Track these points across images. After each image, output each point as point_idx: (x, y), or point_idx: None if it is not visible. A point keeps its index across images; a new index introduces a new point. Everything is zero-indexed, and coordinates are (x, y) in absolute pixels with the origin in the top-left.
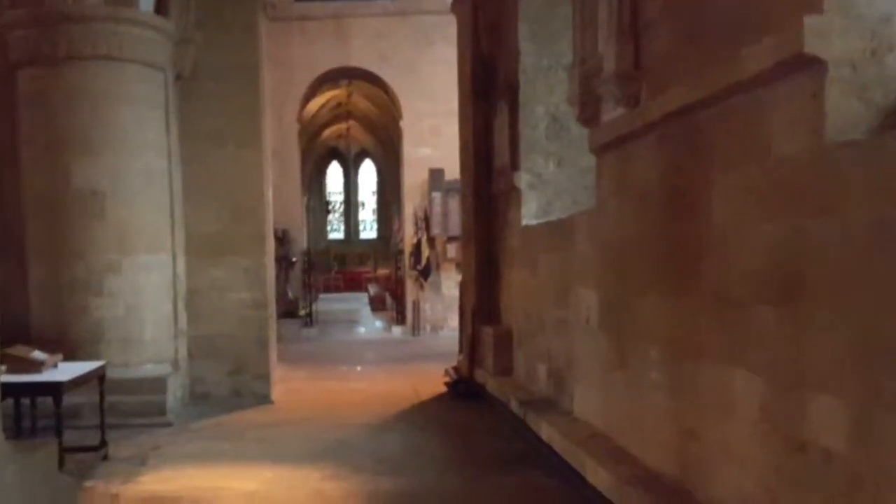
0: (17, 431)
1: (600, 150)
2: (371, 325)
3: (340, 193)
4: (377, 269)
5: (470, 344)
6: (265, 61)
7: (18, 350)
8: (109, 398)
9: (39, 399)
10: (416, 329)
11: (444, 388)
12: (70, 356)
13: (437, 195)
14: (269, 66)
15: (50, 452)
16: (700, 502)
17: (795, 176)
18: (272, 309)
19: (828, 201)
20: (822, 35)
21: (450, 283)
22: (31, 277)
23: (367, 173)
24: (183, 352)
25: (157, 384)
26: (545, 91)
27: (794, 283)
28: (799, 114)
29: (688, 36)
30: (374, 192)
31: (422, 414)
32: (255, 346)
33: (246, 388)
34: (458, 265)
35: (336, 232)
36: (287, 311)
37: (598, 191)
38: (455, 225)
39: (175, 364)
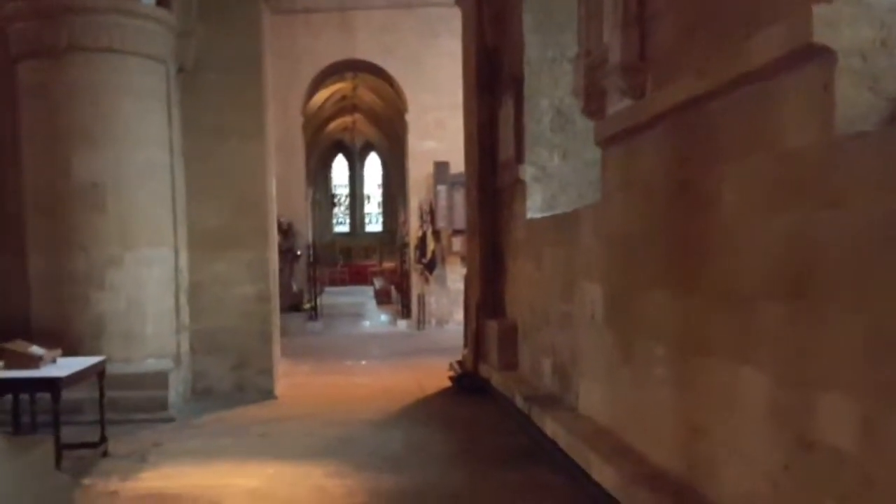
0: (16, 427)
1: (605, 142)
2: (376, 319)
3: (346, 186)
4: (382, 263)
5: (474, 338)
6: (268, 54)
7: (16, 345)
8: (111, 393)
9: (39, 394)
10: (421, 323)
11: (448, 383)
12: (71, 351)
13: (442, 188)
14: (272, 59)
15: (46, 450)
16: (707, 501)
17: (805, 168)
18: (275, 303)
19: (838, 194)
20: (832, 24)
21: (455, 277)
22: (31, 271)
23: (373, 166)
24: (185, 346)
25: (159, 379)
26: (550, 83)
27: (802, 277)
28: (808, 105)
29: (694, 26)
30: (379, 186)
31: (426, 409)
32: (258, 340)
33: (249, 383)
34: (463, 258)
35: (341, 225)
36: (292, 304)
37: (603, 184)
38: (460, 218)
39: (177, 359)
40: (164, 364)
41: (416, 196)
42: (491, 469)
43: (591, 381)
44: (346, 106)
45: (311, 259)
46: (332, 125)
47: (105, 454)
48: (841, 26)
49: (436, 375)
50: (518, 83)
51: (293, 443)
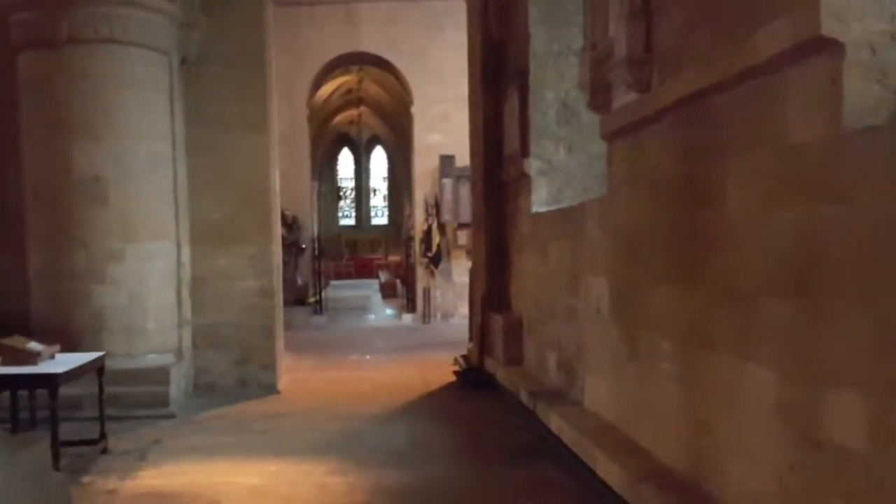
0: (15, 424)
1: (611, 136)
2: (381, 313)
3: (351, 179)
4: (388, 256)
5: (479, 332)
6: (272, 46)
7: (14, 341)
8: (112, 389)
9: (38, 390)
10: (426, 317)
11: (453, 377)
12: (72, 346)
13: (447, 181)
14: (277, 52)
15: (41, 448)
16: (713, 500)
17: (812, 163)
18: (279, 297)
19: (846, 189)
20: (840, 17)
21: (460, 271)
22: (31, 266)
23: (379, 159)
24: (187, 341)
25: (160, 375)
26: (555, 76)
27: (808, 273)
28: (816, 99)
29: (700, 18)
30: (385, 179)
31: (430, 404)
32: (261, 335)
33: (252, 379)
34: (468, 252)
35: (347, 218)
36: (296, 298)
37: (609, 178)
38: (466, 212)
39: (179, 354)
40: (166, 359)
41: (422, 189)
42: (495, 465)
43: (597, 376)
44: (351, 99)
45: (316, 252)
46: (338, 118)
47: (105, 451)
48: (850, 19)
49: (440, 370)
50: (523, 76)
51: (295, 439)
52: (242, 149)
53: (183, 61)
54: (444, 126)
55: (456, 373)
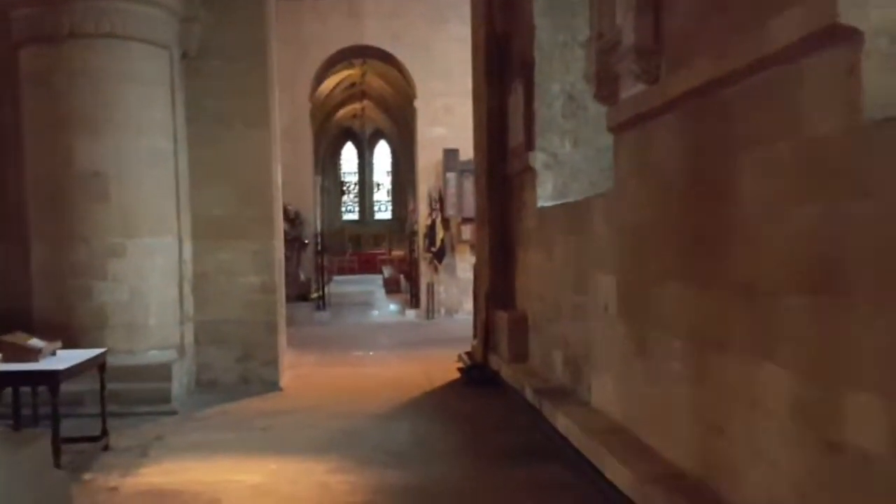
0: (17, 421)
1: (618, 128)
2: (385, 308)
3: (355, 174)
4: (392, 251)
5: (484, 329)
6: (274, 40)
7: (15, 337)
8: (113, 386)
9: (41, 387)
10: (430, 312)
11: (457, 374)
12: (73, 342)
13: (451, 176)
14: (279, 45)
15: (42, 446)
16: None
17: (830, 156)
18: (281, 293)
19: (866, 183)
20: (858, 4)
21: (465, 266)
22: (33, 262)
23: (382, 154)
24: (189, 338)
25: (162, 371)
26: (561, 68)
27: (828, 270)
28: (833, 89)
29: (711, 6)
30: (388, 173)
31: (433, 402)
32: (263, 331)
33: (254, 375)
34: (473, 247)
35: (350, 213)
36: (299, 294)
37: (616, 171)
38: (470, 206)
39: (181, 350)
40: (168, 356)
41: (425, 184)
42: (500, 465)
43: (605, 375)
44: (354, 93)
45: (319, 248)
46: (341, 112)
47: (106, 448)
48: (868, 6)
49: (444, 367)
50: (528, 68)
51: (297, 436)
52: (244, 143)
53: (184, 55)
54: (448, 119)
55: (460, 370)
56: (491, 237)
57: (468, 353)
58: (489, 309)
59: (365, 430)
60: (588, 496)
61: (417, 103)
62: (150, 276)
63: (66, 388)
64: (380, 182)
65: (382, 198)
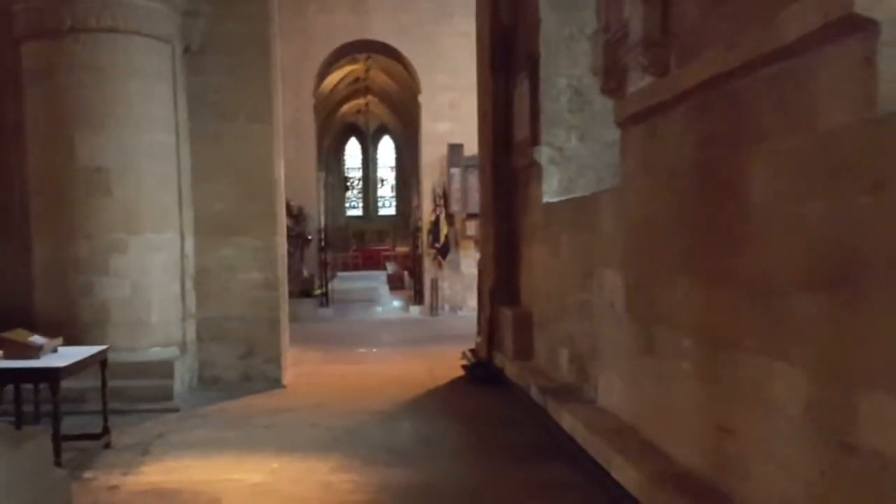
0: (18, 418)
1: (626, 122)
2: (389, 305)
3: (359, 170)
4: (396, 247)
5: (488, 326)
6: (277, 34)
7: (16, 334)
8: (115, 383)
9: (43, 384)
10: (434, 309)
11: (461, 372)
12: (75, 339)
13: (455, 171)
14: (283, 40)
15: (41, 443)
16: None
17: (845, 149)
18: (284, 289)
19: (881, 177)
20: None
21: (469, 262)
22: (34, 257)
23: (386, 149)
24: (191, 334)
25: (164, 368)
26: (567, 62)
27: (842, 266)
28: (848, 81)
29: None
30: (392, 169)
31: (437, 400)
32: (266, 328)
33: (256, 372)
34: (477, 243)
35: (354, 209)
36: (302, 290)
37: (623, 166)
38: (474, 202)
39: (183, 347)
40: (170, 352)
41: (430, 179)
42: (505, 465)
43: (612, 374)
44: (359, 88)
45: (322, 244)
46: (345, 108)
47: (107, 446)
48: None
49: (448, 364)
50: (534, 62)
51: (299, 435)
52: (246, 139)
53: (186, 50)
54: (453, 114)
55: (464, 367)
56: (495, 233)
57: (472, 351)
58: (493, 306)
59: (368, 428)
60: (594, 496)
61: (422, 98)
62: (152, 272)
63: (68, 385)
64: (384, 178)
65: (386, 194)
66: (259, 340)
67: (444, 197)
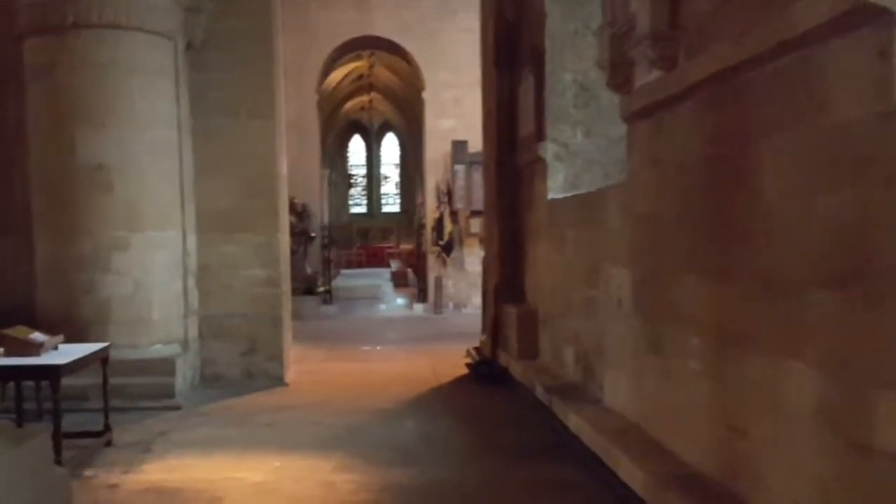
0: (20, 415)
1: (633, 117)
2: (392, 303)
3: (363, 167)
4: (400, 244)
5: (492, 324)
6: (280, 30)
7: (17, 331)
8: (117, 380)
9: (44, 382)
10: (438, 307)
11: (465, 370)
12: (77, 337)
13: (460, 168)
14: (286, 36)
15: (42, 442)
16: None
17: (861, 142)
18: (287, 287)
19: None
20: None
21: (473, 260)
22: (36, 255)
23: (390, 146)
24: (193, 332)
25: (166, 366)
26: (572, 57)
27: (857, 262)
28: (863, 73)
29: None
30: (396, 166)
31: (441, 398)
32: (268, 325)
33: (259, 370)
34: (481, 240)
35: (358, 206)
36: (306, 287)
37: (630, 162)
38: (479, 199)
39: (185, 344)
40: (171, 350)
41: (433, 176)
42: (509, 465)
43: (618, 373)
44: (362, 85)
45: (326, 241)
46: (349, 105)
47: (109, 444)
48: None
49: (452, 362)
50: (539, 57)
51: (301, 433)
52: (249, 135)
53: (188, 46)
54: (457, 111)
55: (468, 365)
56: (500, 230)
57: (476, 349)
58: (498, 303)
59: (371, 426)
60: (600, 497)
61: (426, 95)
62: (154, 269)
63: (70, 382)
64: (388, 175)
65: (390, 191)
66: (261, 338)
67: (448, 194)
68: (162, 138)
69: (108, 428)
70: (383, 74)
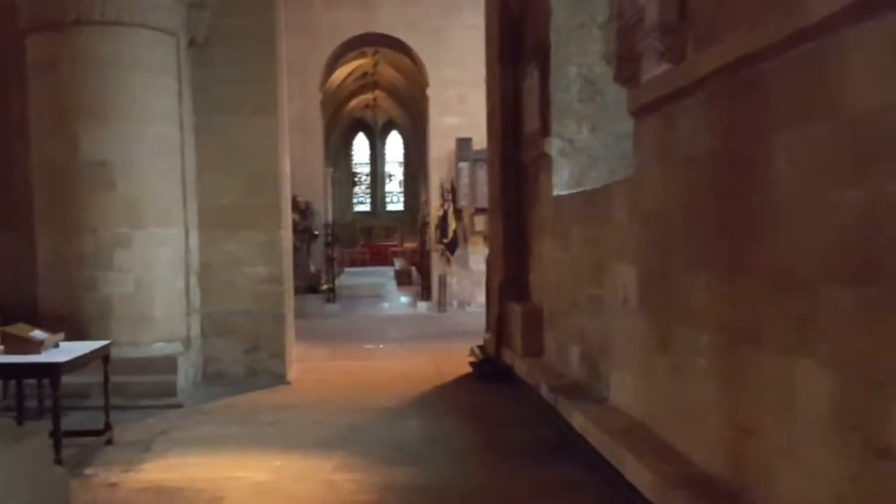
0: (20, 413)
1: (640, 111)
2: (396, 301)
3: (367, 165)
4: (404, 243)
5: (497, 322)
6: (283, 26)
7: (17, 328)
8: (118, 378)
9: (45, 379)
10: (441, 305)
11: (469, 369)
12: (79, 334)
13: (464, 165)
14: (289, 33)
15: (40, 441)
16: None
17: (878, 134)
18: (289, 284)
19: None
20: None
21: (477, 258)
22: (38, 252)
23: (394, 145)
24: (196, 329)
25: (168, 363)
26: (578, 51)
27: (874, 259)
28: (881, 62)
29: None
30: (400, 164)
31: (444, 397)
32: (271, 323)
33: (261, 368)
34: (486, 238)
35: (362, 204)
36: (309, 285)
37: (637, 157)
38: (483, 196)
39: (187, 342)
40: (173, 348)
41: (438, 174)
42: (513, 465)
43: (624, 372)
44: (366, 83)
45: (329, 239)
46: (353, 103)
47: (109, 442)
48: None
49: (456, 360)
50: (544, 51)
51: (303, 432)
52: (252, 132)
53: (191, 43)
54: (461, 108)
55: (472, 364)
56: (504, 227)
57: (480, 347)
58: (502, 301)
59: (373, 425)
60: (605, 497)
61: (430, 92)
62: (156, 266)
63: (72, 380)
64: (392, 173)
65: (394, 189)
66: (264, 335)
67: (452, 192)
68: (164, 135)
69: (108, 426)
70: (387, 72)
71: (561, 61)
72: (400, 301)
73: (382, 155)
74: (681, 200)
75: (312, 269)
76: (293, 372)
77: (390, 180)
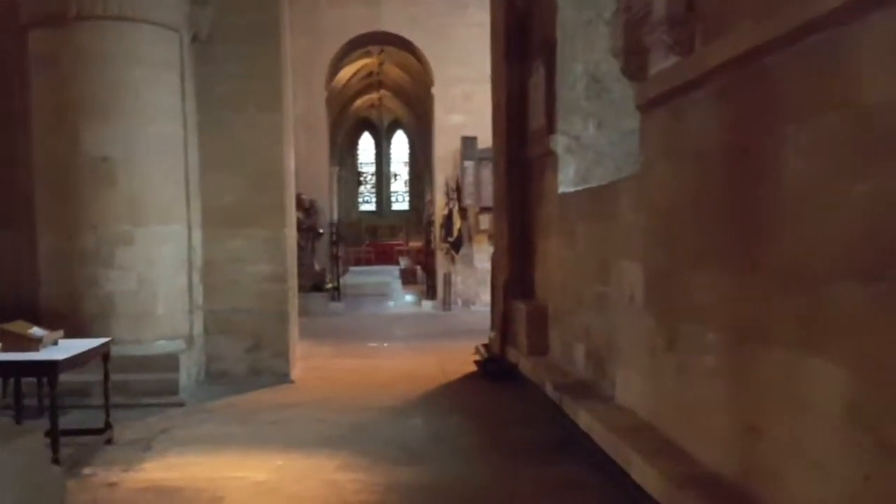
0: (19, 411)
1: (648, 105)
2: (401, 300)
3: (372, 164)
4: (409, 242)
5: (502, 320)
6: (288, 23)
7: (16, 326)
8: (120, 376)
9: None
10: (446, 303)
11: (473, 368)
12: (80, 332)
13: (469, 164)
14: (295, 31)
15: (34, 440)
16: None
17: (889, 127)
18: (293, 283)
19: None
20: None
21: (482, 256)
22: (40, 249)
23: (400, 144)
24: (198, 327)
25: (170, 362)
26: (584, 48)
27: (886, 254)
28: (891, 53)
29: None
30: (406, 163)
31: (448, 396)
32: (274, 321)
33: (264, 366)
34: (490, 237)
35: (367, 203)
36: (313, 284)
37: (644, 152)
38: (488, 195)
39: (190, 340)
40: (175, 346)
41: (443, 173)
42: (518, 464)
43: (630, 370)
44: (372, 82)
45: (334, 238)
46: (359, 102)
47: (109, 441)
48: None
49: (460, 359)
50: (550, 48)
51: (306, 431)
52: (255, 129)
53: (194, 39)
54: (466, 106)
55: (476, 363)
56: (510, 225)
57: (485, 346)
58: (507, 300)
59: (377, 424)
60: (610, 497)
61: (435, 90)
62: (159, 264)
63: (73, 378)
64: (397, 173)
65: (400, 188)
66: (267, 334)
67: (457, 190)
68: (167, 132)
69: (108, 425)
70: (393, 72)
71: (567, 58)
72: (405, 300)
73: (388, 154)
74: (688, 195)
75: (317, 267)
76: (296, 370)
77: (395, 180)
